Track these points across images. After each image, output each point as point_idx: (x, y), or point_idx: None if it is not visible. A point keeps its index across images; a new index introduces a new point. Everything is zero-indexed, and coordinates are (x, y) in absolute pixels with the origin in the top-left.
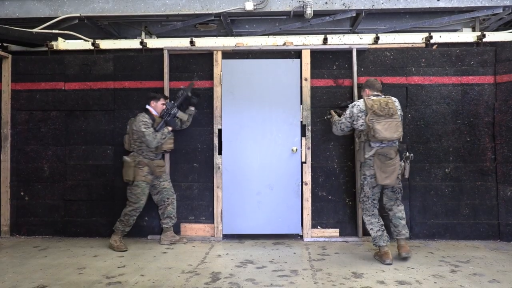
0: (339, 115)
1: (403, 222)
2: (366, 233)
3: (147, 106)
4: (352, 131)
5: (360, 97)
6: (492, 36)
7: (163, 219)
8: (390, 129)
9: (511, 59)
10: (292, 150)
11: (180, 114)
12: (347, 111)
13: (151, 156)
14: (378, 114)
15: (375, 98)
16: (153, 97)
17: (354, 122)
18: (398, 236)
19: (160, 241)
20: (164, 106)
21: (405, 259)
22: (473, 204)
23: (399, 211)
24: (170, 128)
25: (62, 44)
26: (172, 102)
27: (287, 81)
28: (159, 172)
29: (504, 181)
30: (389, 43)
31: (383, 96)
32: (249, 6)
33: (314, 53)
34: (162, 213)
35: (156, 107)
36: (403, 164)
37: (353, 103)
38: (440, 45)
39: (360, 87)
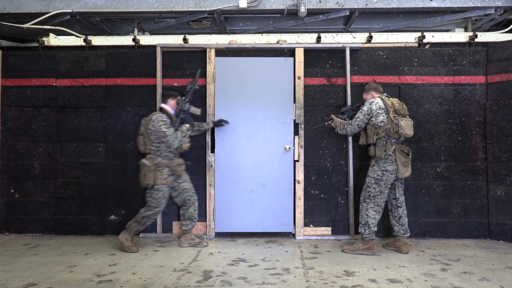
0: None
1: (407, 220)
2: (357, 232)
3: (163, 105)
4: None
5: (353, 96)
6: (484, 37)
7: (183, 221)
8: (409, 127)
9: (502, 59)
10: (285, 148)
11: (193, 109)
12: (364, 108)
13: (170, 156)
14: (398, 113)
15: (390, 98)
16: (170, 95)
17: (373, 119)
18: (406, 234)
19: (179, 244)
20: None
21: (404, 254)
22: (464, 203)
23: (405, 209)
24: (187, 125)
25: (53, 40)
26: (183, 98)
27: (280, 79)
28: (180, 171)
29: (495, 180)
30: (382, 42)
31: (390, 97)
32: (243, 4)
33: (308, 52)
34: (183, 214)
35: (173, 105)
36: None
37: (370, 101)
38: (433, 44)
39: (353, 86)
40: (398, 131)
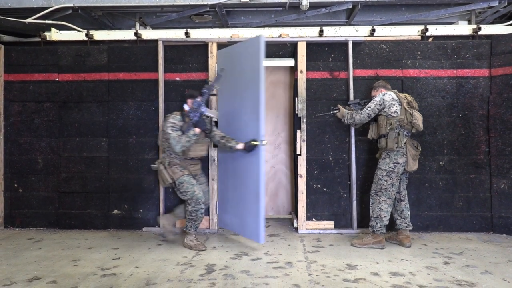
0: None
1: (409, 213)
2: (360, 225)
3: (184, 105)
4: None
5: (356, 90)
6: (487, 29)
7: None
8: (420, 120)
9: (506, 52)
10: None
11: (209, 111)
12: (377, 99)
13: (180, 158)
14: (411, 105)
15: (401, 93)
16: (190, 96)
17: (386, 109)
18: (408, 227)
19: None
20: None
21: (407, 248)
22: (467, 197)
23: (407, 203)
24: (197, 130)
25: (55, 35)
26: (198, 99)
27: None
28: (193, 170)
29: (498, 173)
30: (385, 36)
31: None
32: None
33: (310, 45)
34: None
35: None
36: None
37: (383, 93)
38: (436, 38)
39: (356, 79)
40: (412, 121)
